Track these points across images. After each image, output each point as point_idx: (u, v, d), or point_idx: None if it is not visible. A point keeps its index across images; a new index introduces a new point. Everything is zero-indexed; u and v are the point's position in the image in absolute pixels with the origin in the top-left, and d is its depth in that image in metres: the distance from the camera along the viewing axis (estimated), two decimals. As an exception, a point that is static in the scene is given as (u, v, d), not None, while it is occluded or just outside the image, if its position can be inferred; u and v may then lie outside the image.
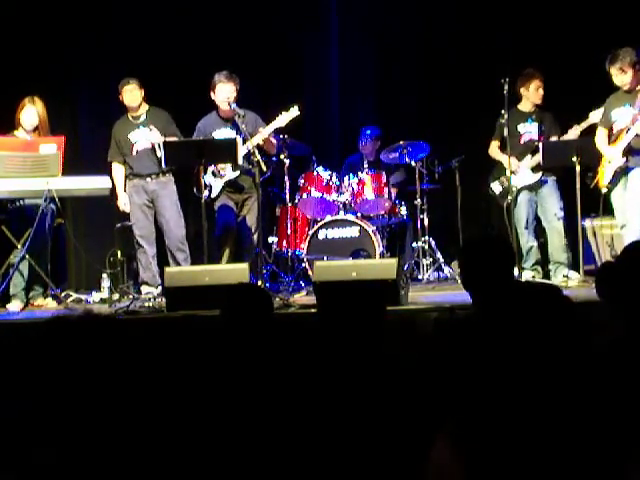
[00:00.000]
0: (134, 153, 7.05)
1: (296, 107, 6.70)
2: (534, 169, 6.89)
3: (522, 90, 6.93)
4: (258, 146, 6.66)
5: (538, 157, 6.78)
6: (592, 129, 6.60)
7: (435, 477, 1.98)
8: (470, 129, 7.71)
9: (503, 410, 1.95)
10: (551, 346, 2.00)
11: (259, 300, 3.11)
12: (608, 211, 6.59)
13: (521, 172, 6.85)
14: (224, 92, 6.83)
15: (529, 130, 7.00)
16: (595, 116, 6.59)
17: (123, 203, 7.08)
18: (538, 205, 6.97)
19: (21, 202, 6.73)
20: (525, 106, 7.02)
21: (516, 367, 1.98)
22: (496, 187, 7.15)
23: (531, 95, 6.95)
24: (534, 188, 6.93)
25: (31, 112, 6.75)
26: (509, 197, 6.85)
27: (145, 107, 7.09)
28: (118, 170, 7.11)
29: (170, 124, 7.08)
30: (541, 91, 6.96)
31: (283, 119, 6.70)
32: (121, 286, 7.14)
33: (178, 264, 6.90)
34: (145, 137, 7.02)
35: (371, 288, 5.23)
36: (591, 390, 1.99)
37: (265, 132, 6.71)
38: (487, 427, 1.96)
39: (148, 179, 7.02)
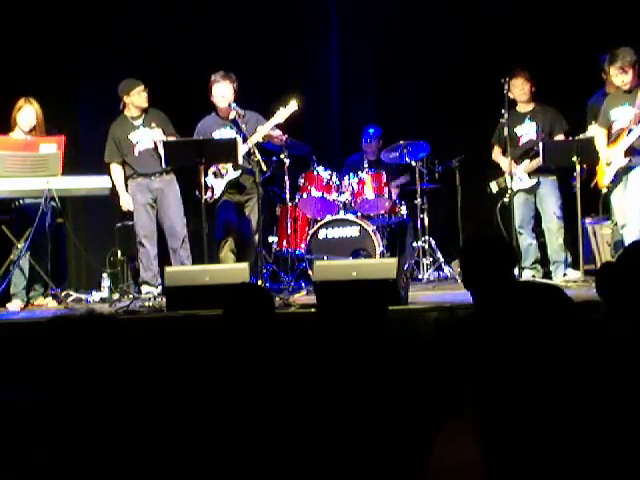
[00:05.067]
0: (136, 154, 7.03)
1: (294, 102, 6.67)
2: (531, 174, 6.88)
3: (510, 92, 6.85)
4: (259, 144, 6.66)
5: (535, 162, 6.78)
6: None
7: (434, 476, 1.98)
8: (470, 129, 7.71)
9: (503, 410, 1.96)
10: (551, 345, 2.00)
11: (261, 300, 3.11)
12: (607, 211, 6.60)
13: (517, 175, 6.84)
14: (219, 90, 6.84)
15: (527, 131, 6.98)
16: (594, 130, 6.56)
17: (127, 203, 7.06)
18: (538, 205, 6.97)
19: (21, 202, 6.74)
20: (521, 107, 7.01)
21: (516, 366, 1.98)
22: (494, 187, 7.18)
23: (515, 95, 6.90)
24: (532, 190, 6.93)
25: (30, 112, 6.74)
26: (504, 199, 6.87)
27: None
28: (118, 171, 7.07)
29: (168, 124, 7.08)
30: (522, 88, 6.85)
31: (282, 115, 6.69)
32: (121, 286, 7.15)
33: (181, 263, 6.89)
34: (147, 136, 7.01)
35: (371, 288, 5.27)
36: (591, 390, 1.99)
37: (264, 129, 6.70)
38: (487, 427, 1.96)
39: (153, 177, 7.00)
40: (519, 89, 6.86)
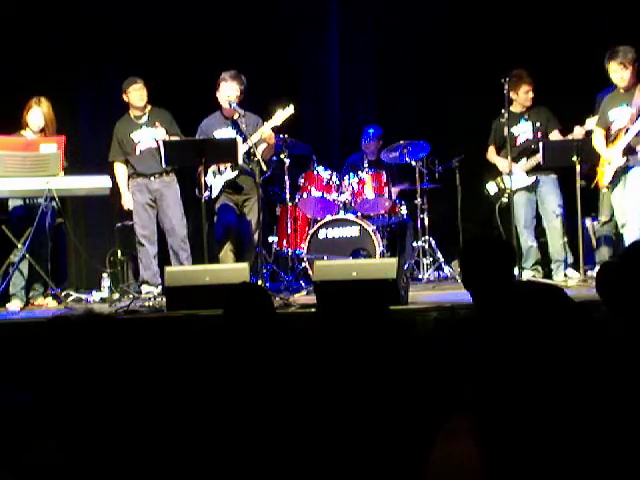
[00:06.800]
0: (137, 153, 7.05)
1: (292, 105, 6.68)
2: (529, 172, 6.88)
3: (512, 94, 6.87)
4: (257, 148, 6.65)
5: (533, 160, 6.80)
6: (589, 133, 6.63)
7: (434, 477, 1.98)
8: (470, 129, 7.71)
9: (503, 410, 1.96)
10: (552, 345, 2.00)
11: (261, 300, 3.11)
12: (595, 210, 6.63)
13: (515, 174, 6.84)
14: (225, 90, 6.82)
15: (523, 130, 7.00)
16: (592, 122, 6.59)
17: (127, 201, 7.08)
18: (539, 204, 6.97)
19: (22, 202, 6.75)
20: (516, 107, 7.01)
21: (517, 366, 1.98)
22: (491, 188, 7.18)
23: (520, 98, 6.95)
24: (532, 188, 6.93)
25: (37, 113, 6.77)
26: (503, 199, 6.88)
27: (147, 107, 7.10)
28: (121, 170, 7.11)
29: (172, 124, 7.09)
30: (531, 94, 6.94)
31: (279, 117, 6.68)
32: (121, 285, 7.15)
33: (181, 263, 6.91)
34: (149, 136, 7.03)
35: (371, 288, 5.27)
36: (592, 389, 1.99)
37: (263, 130, 6.69)
38: (487, 427, 1.96)
39: (152, 178, 7.02)
40: (526, 94, 6.90)
